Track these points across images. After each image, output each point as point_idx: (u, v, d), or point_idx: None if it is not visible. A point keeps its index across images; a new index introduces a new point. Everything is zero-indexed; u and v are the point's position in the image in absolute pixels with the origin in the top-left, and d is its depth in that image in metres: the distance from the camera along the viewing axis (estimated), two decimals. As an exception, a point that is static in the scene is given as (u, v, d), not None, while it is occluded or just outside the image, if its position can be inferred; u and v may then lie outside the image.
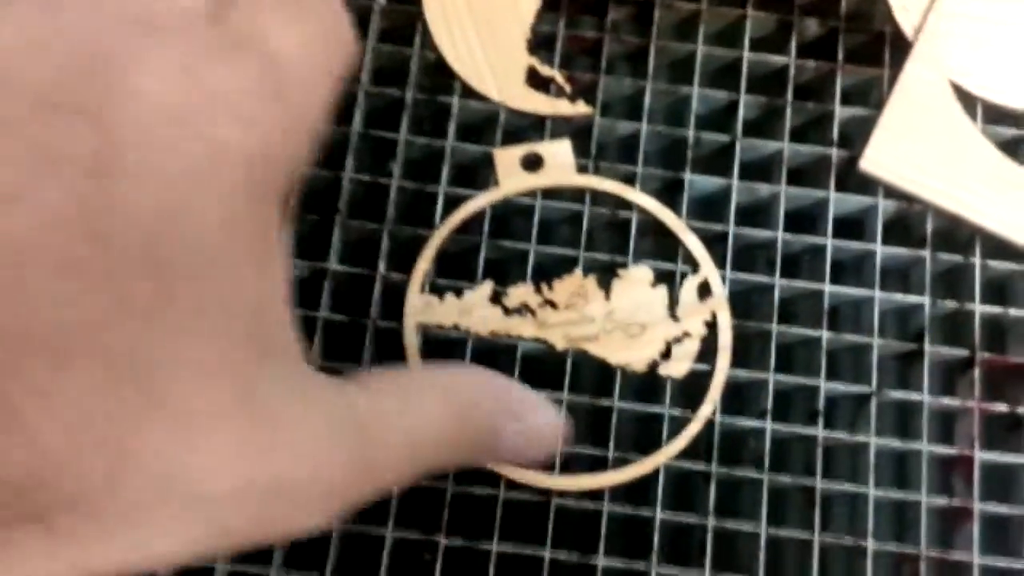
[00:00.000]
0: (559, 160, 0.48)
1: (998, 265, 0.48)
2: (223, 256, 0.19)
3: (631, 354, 0.45)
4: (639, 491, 0.44)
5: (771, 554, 0.43)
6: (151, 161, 0.18)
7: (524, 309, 0.46)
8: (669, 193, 0.49)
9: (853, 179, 0.49)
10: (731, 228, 0.48)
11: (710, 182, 0.49)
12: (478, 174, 0.49)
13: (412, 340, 0.45)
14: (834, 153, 0.49)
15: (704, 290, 0.46)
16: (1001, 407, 0.46)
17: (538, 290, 0.46)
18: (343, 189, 0.48)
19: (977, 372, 0.47)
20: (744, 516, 0.44)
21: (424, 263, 0.47)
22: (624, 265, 0.47)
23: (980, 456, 0.45)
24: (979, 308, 0.47)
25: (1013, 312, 0.48)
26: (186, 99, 0.19)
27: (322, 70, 0.22)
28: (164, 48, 0.19)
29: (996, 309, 0.47)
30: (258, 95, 0.20)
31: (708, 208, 0.50)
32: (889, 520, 0.47)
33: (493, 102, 0.50)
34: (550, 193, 0.48)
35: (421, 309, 0.46)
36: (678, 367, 0.45)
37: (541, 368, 0.45)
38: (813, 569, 0.43)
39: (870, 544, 0.44)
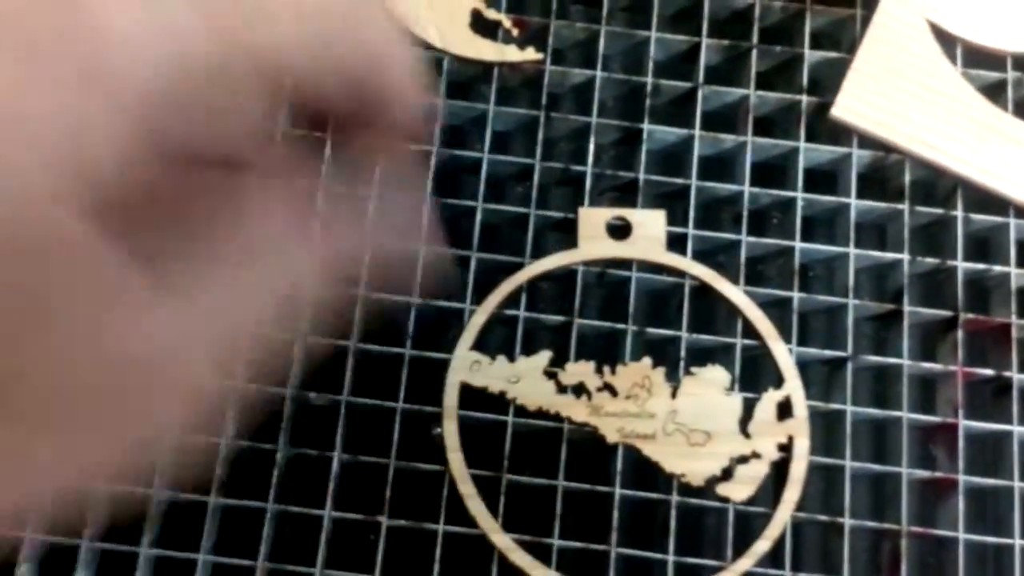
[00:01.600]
0: (649, 231, 0.43)
1: (981, 219, 0.45)
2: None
3: (689, 465, 0.40)
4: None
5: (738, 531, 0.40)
6: None
7: (580, 390, 0.41)
8: (628, 145, 0.45)
9: (824, 128, 0.46)
10: (693, 182, 0.44)
11: (670, 133, 0.45)
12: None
13: (451, 399, 0.40)
14: (804, 100, 0.46)
15: (784, 410, 0.41)
16: (986, 371, 0.43)
17: (599, 371, 0.41)
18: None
19: (960, 334, 0.43)
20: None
21: (481, 316, 0.42)
22: (700, 362, 0.42)
23: (964, 424, 0.42)
24: (961, 265, 0.44)
25: (998, 269, 0.44)
26: None
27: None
28: None
29: (979, 266, 0.44)
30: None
31: (668, 161, 0.46)
32: (867, 495, 0.44)
33: (435, 48, 0.46)
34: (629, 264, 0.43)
35: (467, 367, 0.41)
36: (739, 490, 0.40)
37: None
38: (786, 548, 0.40)
39: (847, 521, 0.40)
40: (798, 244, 0.44)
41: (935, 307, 0.44)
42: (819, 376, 0.44)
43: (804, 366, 0.43)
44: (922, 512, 0.42)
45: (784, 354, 0.41)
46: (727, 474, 0.40)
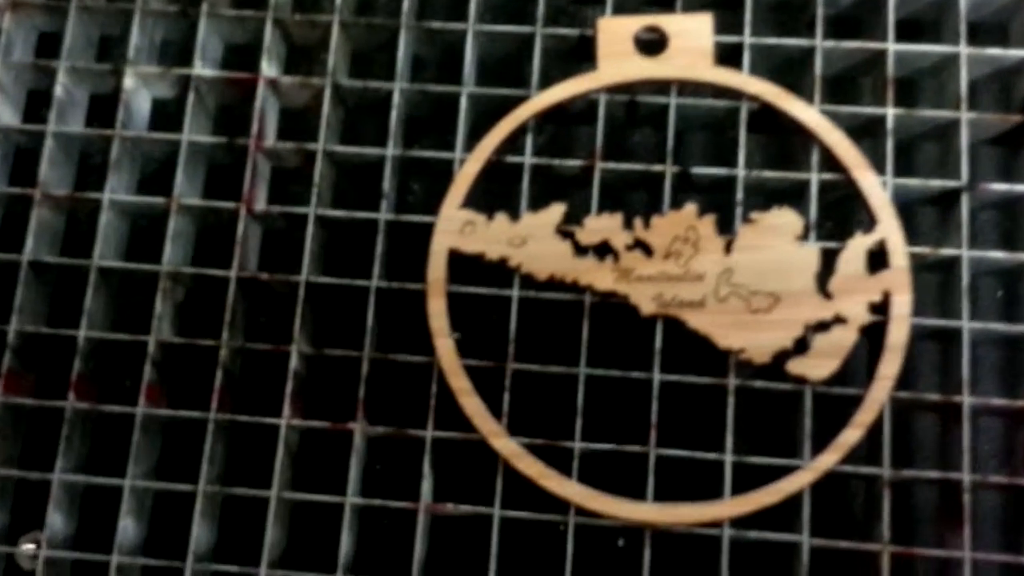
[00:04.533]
0: (691, 42, 0.32)
1: None
2: None
3: (750, 337, 0.29)
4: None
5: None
6: None
7: (605, 249, 0.30)
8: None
9: None
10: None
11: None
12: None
13: (437, 270, 0.31)
14: None
15: (878, 260, 0.30)
16: None
17: (628, 225, 0.30)
18: None
19: (1116, 148, 0.32)
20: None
21: (474, 164, 0.32)
22: (764, 206, 0.31)
23: None
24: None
25: None
26: None
27: None
28: None
29: None
30: None
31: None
32: (993, 366, 0.34)
33: None
34: (667, 87, 0.32)
35: (458, 229, 0.31)
36: (818, 366, 0.29)
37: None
38: (884, 438, 0.30)
39: (966, 399, 0.30)
40: (892, 46, 0.33)
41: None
42: (926, 216, 0.34)
43: (905, 205, 0.32)
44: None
45: (876, 188, 0.31)
46: (801, 346, 0.30)
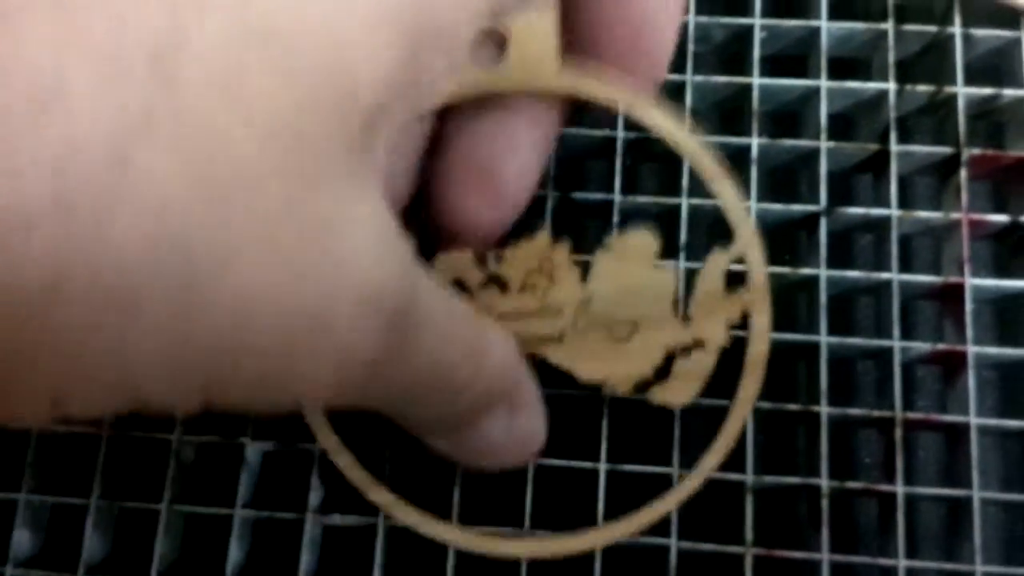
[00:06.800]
0: (534, 45, 0.27)
1: (985, 35, 0.36)
2: None
3: (611, 367, 0.29)
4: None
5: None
6: None
7: (458, 286, 0.29)
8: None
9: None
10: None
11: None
12: None
13: None
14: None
15: (736, 278, 0.29)
16: (997, 218, 0.34)
17: (481, 261, 0.29)
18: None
19: (963, 175, 0.35)
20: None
21: None
22: (617, 227, 0.32)
23: (972, 284, 0.33)
24: (963, 91, 0.35)
25: (1008, 94, 0.35)
26: None
27: None
28: None
29: (985, 91, 0.35)
30: None
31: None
32: (852, 377, 0.36)
33: None
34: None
35: None
36: (679, 393, 0.29)
37: None
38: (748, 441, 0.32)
39: (824, 409, 0.32)
40: (756, 80, 0.36)
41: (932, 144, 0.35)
42: (786, 238, 0.36)
43: (768, 228, 0.34)
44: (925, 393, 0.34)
45: (733, 198, 0.29)
46: (663, 373, 0.29)
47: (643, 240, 0.29)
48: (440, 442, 0.28)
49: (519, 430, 0.28)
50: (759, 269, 0.29)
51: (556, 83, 0.28)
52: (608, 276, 0.29)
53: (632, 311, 0.29)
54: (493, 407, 0.27)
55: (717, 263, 0.30)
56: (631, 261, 0.29)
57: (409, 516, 0.30)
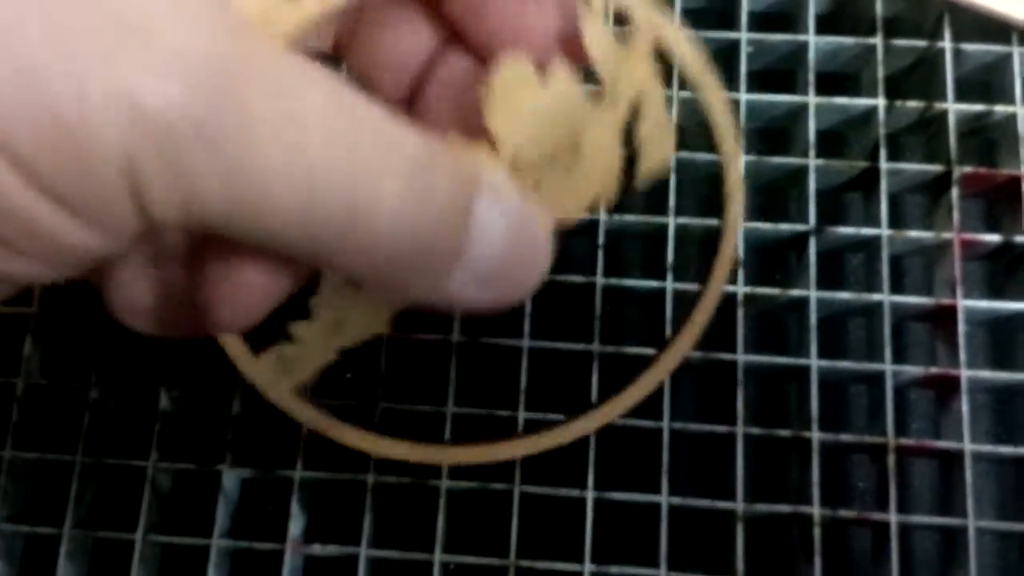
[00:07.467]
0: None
1: (975, 49, 0.35)
2: None
3: (587, 189, 0.25)
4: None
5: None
6: None
7: None
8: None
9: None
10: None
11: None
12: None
13: None
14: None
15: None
16: (990, 238, 0.34)
17: None
18: None
19: (955, 193, 0.34)
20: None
21: None
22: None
23: (965, 306, 0.33)
24: (953, 108, 0.35)
25: (1000, 110, 0.35)
26: None
27: None
28: None
29: (976, 108, 0.35)
30: None
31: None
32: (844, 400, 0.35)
33: None
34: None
35: None
36: (657, 151, 0.26)
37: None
38: (738, 468, 0.31)
39: (815, 435, 0.31)
40: (743, 96, 0.35)
41: (922, 162, 0.35)
42: (775, 258, 0.35)
43: (756, 248, 0.34)
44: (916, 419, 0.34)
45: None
46: (633, 156, 0.25)
47: (514, 68, 0.24)
48: (428, 273, 0.20)
49: (517, 233, 0.22)
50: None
51: None
52: (514, 122, 0.24)
53: (560, 132, 0.25)
54: (457, 202, 0.20)
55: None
56: (519, 92, 0.24)
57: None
